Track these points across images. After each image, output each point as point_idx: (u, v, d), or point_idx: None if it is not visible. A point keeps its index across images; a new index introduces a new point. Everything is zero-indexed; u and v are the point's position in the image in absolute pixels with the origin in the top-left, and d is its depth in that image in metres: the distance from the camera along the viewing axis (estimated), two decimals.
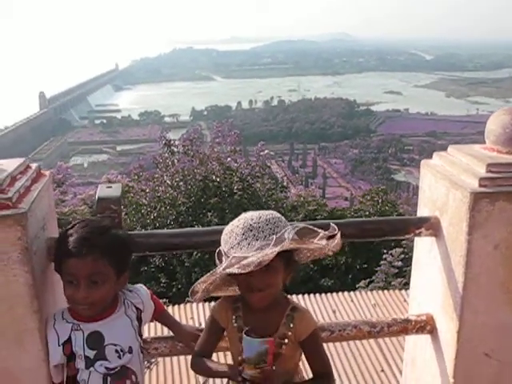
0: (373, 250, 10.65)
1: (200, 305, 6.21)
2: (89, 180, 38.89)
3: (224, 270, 1.74)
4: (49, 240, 2.02)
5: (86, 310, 1.82)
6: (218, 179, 10.84)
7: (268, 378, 1.73)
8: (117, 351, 1.86)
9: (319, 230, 1.80)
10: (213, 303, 2.05)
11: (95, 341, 1.84)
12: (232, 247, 1.76)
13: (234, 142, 11.73)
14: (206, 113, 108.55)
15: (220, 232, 1.88)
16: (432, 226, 2.28)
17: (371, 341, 5.26)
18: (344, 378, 4.79)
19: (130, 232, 2.20)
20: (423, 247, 2.47)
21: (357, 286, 8.44)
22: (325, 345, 2.01)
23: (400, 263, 8.60)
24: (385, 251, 9.20)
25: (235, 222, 1.81)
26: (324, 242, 1.77)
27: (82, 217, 8.25)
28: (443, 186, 2.23)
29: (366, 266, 10.46)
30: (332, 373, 1.94)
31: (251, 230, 1.73)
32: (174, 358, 4.94)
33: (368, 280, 8.71)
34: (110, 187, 2.14)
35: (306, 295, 6.24)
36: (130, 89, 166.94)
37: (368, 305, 6.16)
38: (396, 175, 72.28)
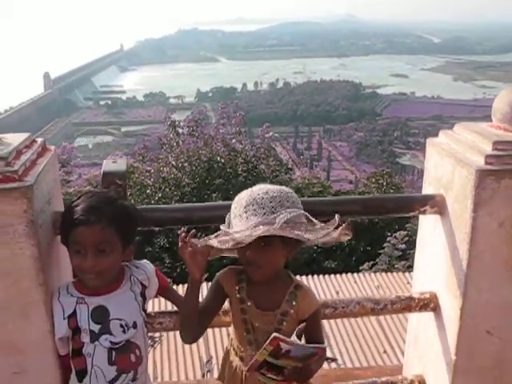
0: (377, 233, 10.68)
1: (204, 284, 6.25)
2: (93, 161, 39.02)
3: (206, 241, 1.75)
4: (54, 214, 2.02)
5: (93, 279, 1.82)
6: (223, 160, 10.85)
7: (305, 374, 1.77)
8: (121, 326, 1.87)
9: (316, 222, 1.77)
10: None
11: (100, 315, 1.85)
12: (234, 217, 1.77)
13: (239, 123, 11.72)
14: (210, 94, 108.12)
15: (224, 207, 1.89)
16: (437, 204, 2.28)
17: (374, 323, 5.29)
18: (346, 358, 4.83)
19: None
20: (428, 225, 2.46)
21: (360, 268, 8.48)
22: (328, 325, 2.02)
23: (404, 246, 8.61)
24: (389, 234, 9.22)
25: (245, 191, 1.80)
26: (321, 234, 1.72)
27: None
28: (449, 163, 2.22)
29: (369, 248, 10.49)
30: (325, 350, 1.96)
31: (253, 205, 1.72)
32: (178, 339, 4.99)
33: (371, 262, 8.74)
34: (115, 162, 2.15)
35: (309, 276, 6.28)
36: (135, 70, 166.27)
37: (371, 286, 6.20)
38: (401, 159, 72.06)
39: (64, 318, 1.86)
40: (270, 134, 12.12)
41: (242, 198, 1.78)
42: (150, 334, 2.37)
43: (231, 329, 1.99)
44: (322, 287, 6.16)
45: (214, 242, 1.73)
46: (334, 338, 5.08)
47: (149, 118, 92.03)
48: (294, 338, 1.70)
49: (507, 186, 2.05)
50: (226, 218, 1.86)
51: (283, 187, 1.81)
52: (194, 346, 4.65)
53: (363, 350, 4.96)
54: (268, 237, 1.68)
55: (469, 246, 2.11)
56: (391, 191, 12.00)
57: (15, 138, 1.98)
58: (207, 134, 11.50)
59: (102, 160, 2.20)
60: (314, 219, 1.77)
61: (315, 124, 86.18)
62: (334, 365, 4.67)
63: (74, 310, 1.85)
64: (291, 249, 1.82)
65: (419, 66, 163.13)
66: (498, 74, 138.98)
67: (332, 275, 6.56)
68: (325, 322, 4.75)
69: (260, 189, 1.77)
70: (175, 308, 2.22)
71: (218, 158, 10.85)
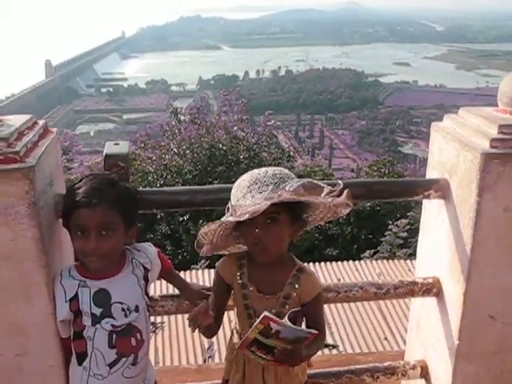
0: (378, 221, 10.66)
1: (206, 271, 6.26)
2: (95, 148, 38.90)
3: (221, 219, 1.76)
4: (56, 196, 2.01)
5: (95, 261, 1.81)
6: (225, 148, 10.83)
7: (294, 357, 1.76)
8: (123, 309, 1.86)
9: (325, 185, 1.78)
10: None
11: (102, 298, 1.85)
12: (238, 200, 1.76)
13: (241, 110, 11.69)
14: (212, 82, 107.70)
15: (226, 190, 1.88)
16: (441, 188, 2.26)
17: (375, 309, 5.31)
18: (347, 345, 4.85)
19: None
20: (431, 210, 2.45)
21: (362, 256, 8.48)
22: (329, 311, 2.03)
23: (405, 234, 8.62)
24: (390, 222, 9.21)
25: (244, 176, 1.81)
26: (330, 199, 1.74)
27: None
28: (453, 147, 2.20)
29: (371, 236, 10.48)
30: (325, 333, 1.97)
31: (256, 183, 1.73)
32: (180, 324, 5.00)
33: (373, 250, 8.75)
34: (118, 144, 2.13)
35: (310, 264, 6.28)
36: (137, 57, 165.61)
37: (373, 273, 6.21)
38: (403, 147, 71.89)
39: (66, 301, 1.85)
40: (272, 121, 12.09)
41: (244, 179, 1.78)
42: (151, 320, 2.36)
43: (233, 313, 1.99)
44: (324, 274, 6.16)
45: (230, 218, 1.74)
46: (336, 324, 5.09)
47: (150, 106, 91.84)
48: (285, 319, 1.70)
49: None
50: (226, 209, 1.84)
51: (278, 167, 1.83)
52: (196, 332, 4.66)
53: (364, 337, 4.98)
54: (275, 213, 1.70)
55: (473, 230, 2.09)
56: (393, 179, 11.97)
57: (17, 120, 1.97)
58: (209, 121, 11.48)
59: (103, 147, 2.18)
60: (320, 182, 1.80)
61: (317, 112, 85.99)
62: (335, 351, 4.69)
63: (76, 293, 1.85)
64: (296, 229, 1.83)
65: (422, 55, 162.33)
66: (501, 62, 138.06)
67: (333, 263, 6.57)
68: (326, 309, 4.77)
69: (258, 171, 1.79)
70: (177, 291, 2.21)
71: (220, 146, 10.83)
